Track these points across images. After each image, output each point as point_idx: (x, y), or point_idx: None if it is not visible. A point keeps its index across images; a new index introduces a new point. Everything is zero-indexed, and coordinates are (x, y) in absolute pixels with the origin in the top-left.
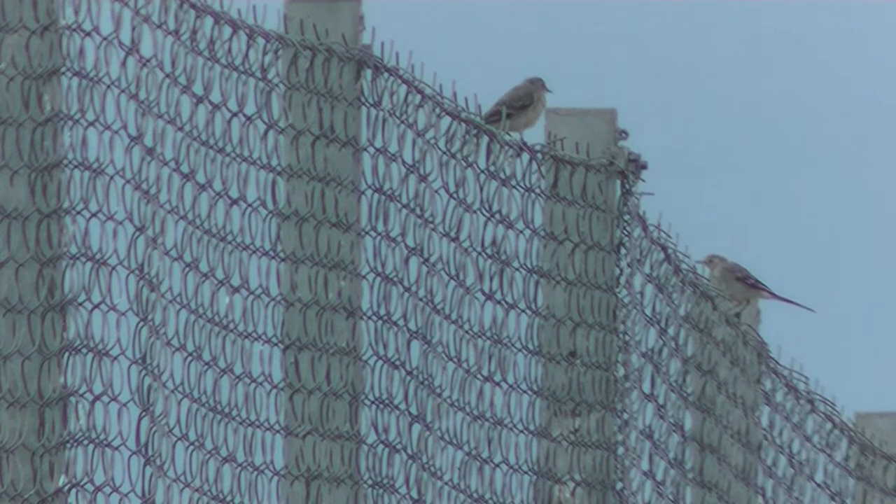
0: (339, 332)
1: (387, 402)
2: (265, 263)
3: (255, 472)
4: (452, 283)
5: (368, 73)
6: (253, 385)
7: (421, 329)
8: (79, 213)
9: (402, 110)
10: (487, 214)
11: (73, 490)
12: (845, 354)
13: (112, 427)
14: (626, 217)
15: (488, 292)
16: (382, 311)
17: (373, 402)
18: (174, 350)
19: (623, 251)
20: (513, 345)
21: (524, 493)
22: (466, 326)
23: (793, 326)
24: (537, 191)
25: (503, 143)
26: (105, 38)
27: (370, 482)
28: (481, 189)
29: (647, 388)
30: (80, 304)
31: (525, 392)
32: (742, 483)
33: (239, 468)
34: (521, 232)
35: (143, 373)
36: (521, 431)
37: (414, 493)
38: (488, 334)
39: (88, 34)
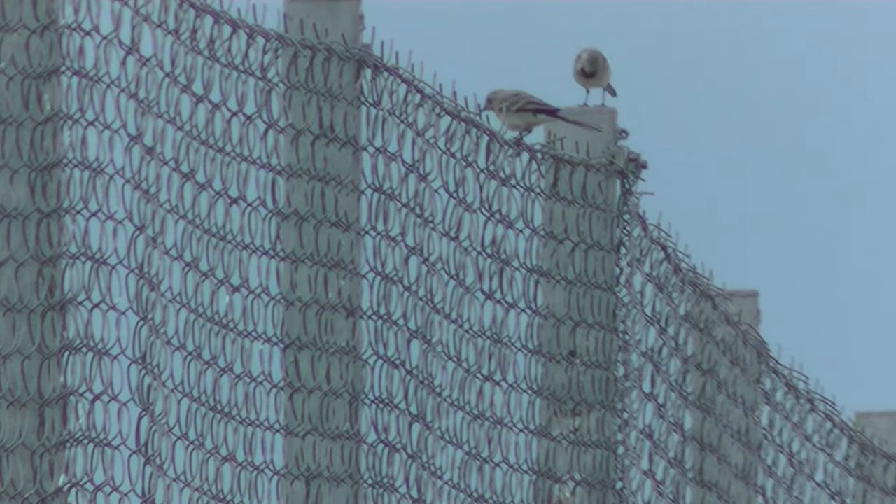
0: (339, 331)
1: (387, 401)
2: (265, 263)
3: (255, 472)
4: (452, 282)
5: (368, 72)
6: (253, 384)
7: (421, 328)
8: (79, 212)
9: (402, 110)
10: (487, 214)
11: (73, 489)
12: (845, 354)
13: (112, 426)
14: (626, 216)
15: (488, 292)
16: (382, 311)
17: (373, 402)
18: (174, 349)
19: (623, 251)
20: (513, 344)
21: (524, 493)
22: (466, 326)
23: (793, 326)
24: (537, 190)
25: (503, 142)
26: (105, 38)
27: (370, 481)
28: (481, 188)
29: (647, 387)
30: (80, 304)
31: (525, 391)
32: (742, 482)
33: (239, 468)
34: (521, 231)
35: (143, 372)
36: (521, 431)
37: (414, 493)
38: (488, 334)
39: (88, 33)
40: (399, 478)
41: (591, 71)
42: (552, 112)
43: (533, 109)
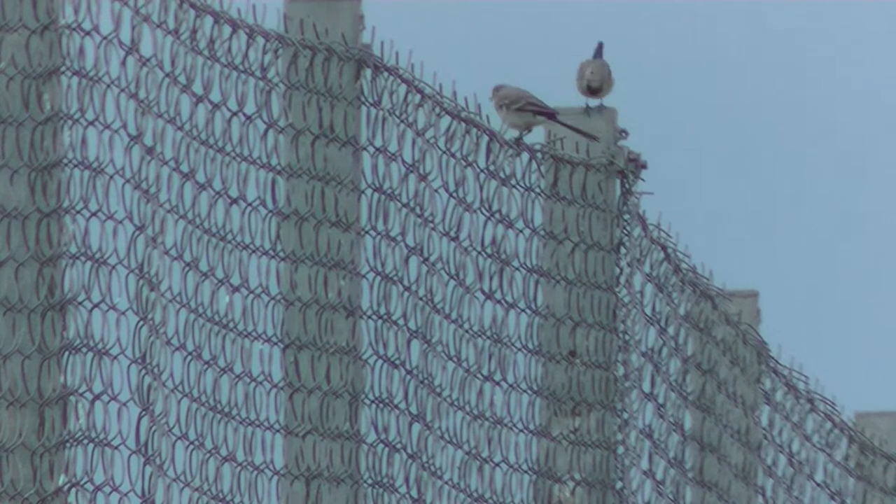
0: (339, 331)
1: (387, 401)
2: (265, 263)
3: (255, 472)
4: (452, 282)
5: (368, 72)
6: (253, 384)
7: (421, 328)
8: (79, 212)
9: (402, 110)
10: (487, 214)
11: (73, 489)
12: (845, 354)
13: (112, 426)
14: (626, 216)
15: (488, 291)
16: (382, 311)
17: (373, 402)
18: (174, 349)
19: (623, 251)
20: (512, 344)
21: (524, 493)
22: (466, 326)
23: (793, 326)
24: (537, 190)
25: (503, 142)
26: (105, 38)
27: (370, 481)
28: (481, 188)
29: (646, 387)
30: (80, 304)
31: (525, 391)
32: (742, 482)
33: (239, 467)
34: (521, 231)
35: (143, 372)
36: (521, 431)
37: (414, 493)
38: (488, 334)
39: (88, 33)
40: (399, 478)
41: (598, 87)
42: (551, 115)
43: (532, 111)
